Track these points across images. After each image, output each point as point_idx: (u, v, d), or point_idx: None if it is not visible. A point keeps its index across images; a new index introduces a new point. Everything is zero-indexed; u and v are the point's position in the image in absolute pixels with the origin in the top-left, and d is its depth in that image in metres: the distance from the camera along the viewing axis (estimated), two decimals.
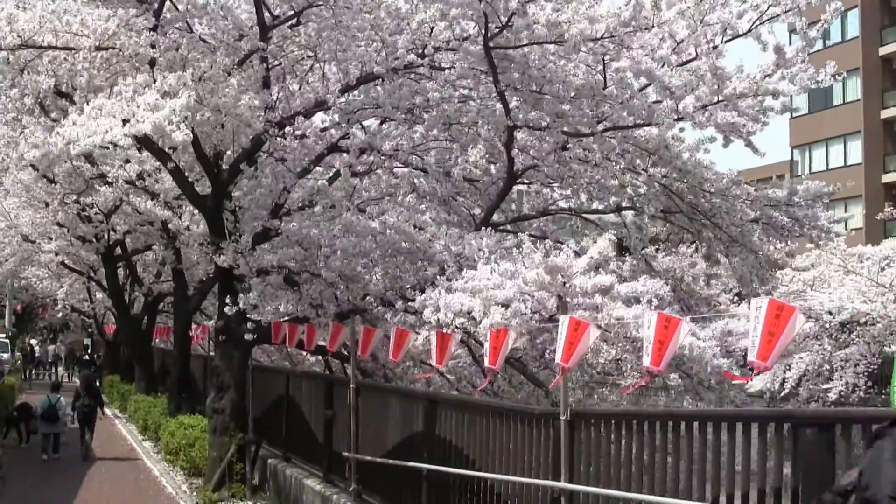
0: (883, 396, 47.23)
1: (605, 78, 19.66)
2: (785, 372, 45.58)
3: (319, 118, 23.56)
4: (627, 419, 11.69)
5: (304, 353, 33.09)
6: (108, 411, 39.49)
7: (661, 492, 10.70)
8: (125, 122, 17.23)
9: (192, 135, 17.70)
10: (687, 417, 10.85)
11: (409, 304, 19.27)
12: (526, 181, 24.55)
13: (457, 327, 15.44)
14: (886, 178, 75.25)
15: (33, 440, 33.56)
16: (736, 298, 27.45)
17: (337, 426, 20.92)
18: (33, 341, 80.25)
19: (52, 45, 19.30)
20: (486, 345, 13.96)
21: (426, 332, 15.99)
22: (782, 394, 45.80)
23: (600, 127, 19.91)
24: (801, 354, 42.92)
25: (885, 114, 76.62)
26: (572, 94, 19.47)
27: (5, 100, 20.98)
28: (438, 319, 15.62)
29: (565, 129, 20.06)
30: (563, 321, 12.03)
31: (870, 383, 45.45)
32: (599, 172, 22.08)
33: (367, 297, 21.41)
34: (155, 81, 18.20)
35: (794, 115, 68.02)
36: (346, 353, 21.71)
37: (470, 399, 17.57)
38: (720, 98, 18.40)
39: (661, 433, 10.87)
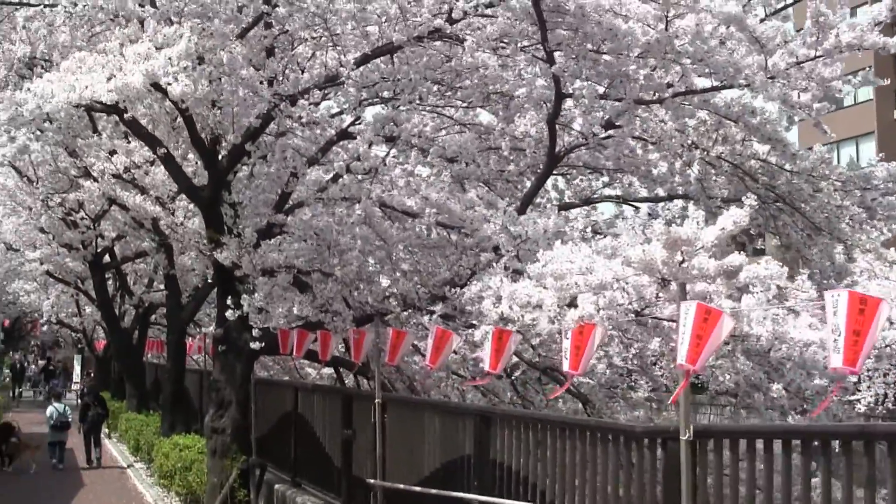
0: None
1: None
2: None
3: (326, 105, 20.82)
4: (788, 436, 8.76)
5: (307, 365, 30.77)
6: None
7: None
8: (111, 79, 14.47)
9: (192, 87, 14.81)
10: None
11: (446, 303, 16.52)
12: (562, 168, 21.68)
13: (525, 325, 12.38)
14: None
15: (14, 465, 31.81)
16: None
17: (358, 448, 18.10)
18: (16, 356, 77.87)
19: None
20: (567, 344, 11.02)
21: (485, 328, 12.86)
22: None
23: (669, 92, 16.92)
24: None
25: None
26: (636, 53, 16.51)
27: None
28: (502, 314, 12.51)
29: (627, 95, 17.05)
30: (688, 309, 9.14)
31: None
32: (656, 153, 19.32)
33: (389, 299, 18.58)
34: (145, 31, 15.43)
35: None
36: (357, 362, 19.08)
37: (539, 415, 14.49)
38: (817, 53, 15.46)
39: (845, 458, 7.96)
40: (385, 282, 19.30)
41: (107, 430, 37.58)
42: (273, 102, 17.62)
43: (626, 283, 11.66)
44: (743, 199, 11.21)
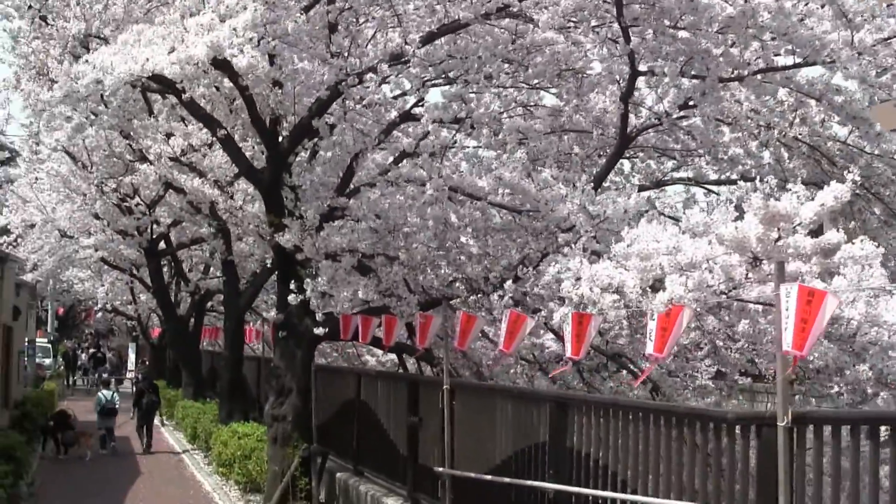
0: None
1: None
2: None
3: (385, 88, 20.36)
4: None
5: (365, 353, 30.46)
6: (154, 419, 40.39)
7: None
8: (172, 51, 14.05)
9: (258, 60, 14.38)
10: None
11: (518, 283, 16.04)
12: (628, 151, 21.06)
13: (605, 307, 11.79)
14: None
15: (70, 453, 31.62)
16: None
17: (424, 435, 17.64)
18: (69, 343, 77.75)
19: None
20: (652, 326, 10.49)
21: (563, 310, 12.27)
22: None
23: (748, 69, 16.29)
24: None
25: None
26: (716, 28, 15.88)
27: (27, 50, 17.97)
28: (583, 296, 11.92)
29: (710, 72, 16.37)
30: (790, 291, 8.60)
31: None
32: (730, 134, 18.78)
33: (455, 283, 18.13)
34: (207, 3, 14.97)
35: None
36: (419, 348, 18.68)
37: (621, 401, 13.81)
38: None
39: None
40: (450, 267, 18.88)
41: (161, 418, 37.80)
42: (340, 77, 17.14)
43: (714, 264, 11.02)
44: (845, 173, 10.59)
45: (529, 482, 13.28)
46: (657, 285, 11.24)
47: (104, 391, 33.98)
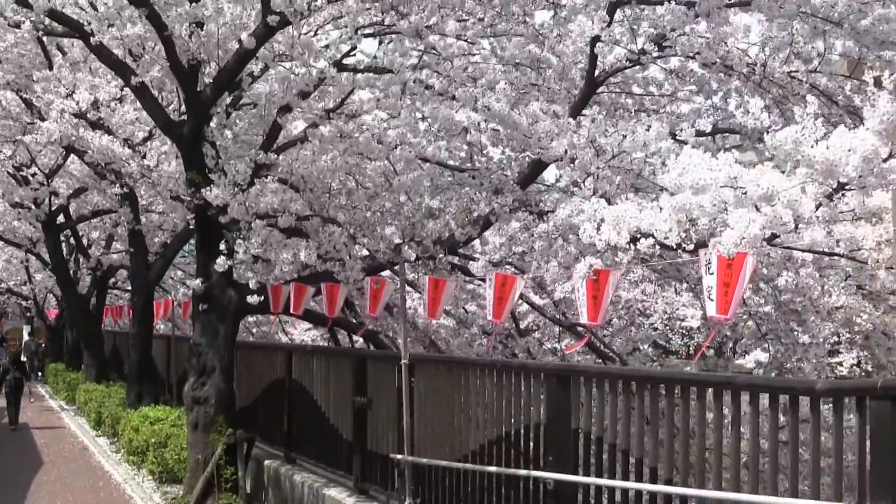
0: None
1: None
2: None
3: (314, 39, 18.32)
4: None
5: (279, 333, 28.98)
6: (53, 403, 41.03)
7: None
8: None
9: None
10: None
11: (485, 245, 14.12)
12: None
13: (640, 255, 9.62)
14: None
15: None
16: None
17: (374, 418, 15.57)
18: None
19: None
20: (712, 281, 8.41)
21: (590, 261, 10.03)
22: None
23: None
24: None
25: None
26: None
27: None
28: (608, 243, 9.69)
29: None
30: None
31: None
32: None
33: (410, 242, 16.08)
34: None
35: None
36: (355, 320, 16.70)
37: (652, 372, 11.80)
38: None
39: None
40: (391, 229, 16.88)
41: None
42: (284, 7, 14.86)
43: (784, 197, 8.77)
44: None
45: (525, 472, 11.23)
46: (697, 229, 9.11)
47: None
